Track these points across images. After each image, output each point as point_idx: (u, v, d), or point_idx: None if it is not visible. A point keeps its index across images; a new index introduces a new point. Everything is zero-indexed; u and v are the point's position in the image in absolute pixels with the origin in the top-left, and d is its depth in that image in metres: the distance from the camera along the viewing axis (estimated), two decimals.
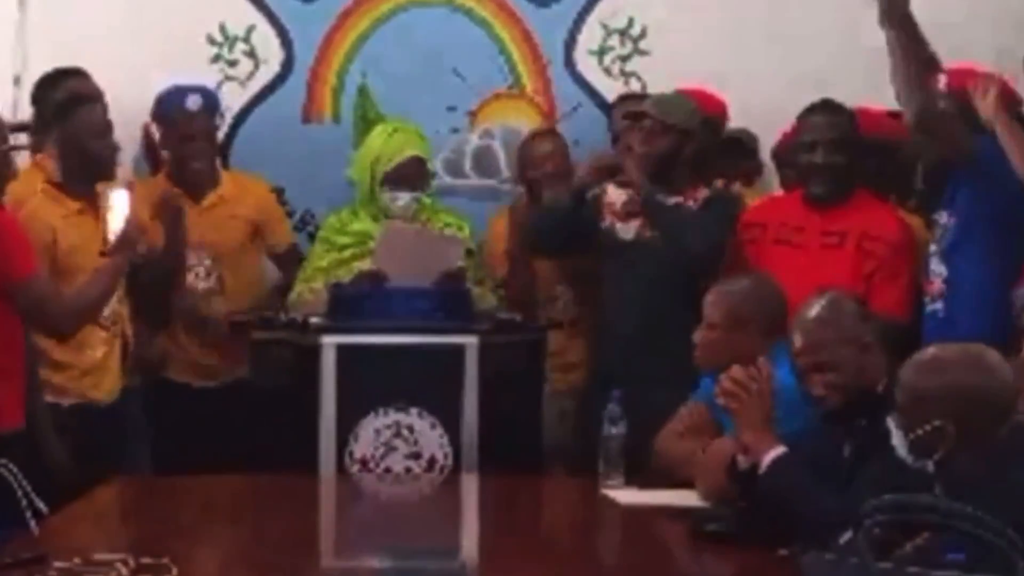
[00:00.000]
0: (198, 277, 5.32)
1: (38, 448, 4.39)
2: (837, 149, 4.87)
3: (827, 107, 4.94)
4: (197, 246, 5.29)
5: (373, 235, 5.13)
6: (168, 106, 5.41)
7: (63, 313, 4.27)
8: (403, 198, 5.14)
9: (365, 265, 5.06)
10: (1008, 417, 3.18)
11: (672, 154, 4.99)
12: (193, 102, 5.39)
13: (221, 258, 5.35)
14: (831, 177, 4.88)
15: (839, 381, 3.60)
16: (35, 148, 5.26)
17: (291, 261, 5.46)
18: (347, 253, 5.18)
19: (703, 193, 5.00)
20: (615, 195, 5.06)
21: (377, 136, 5.31)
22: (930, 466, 3.16)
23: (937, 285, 4.58)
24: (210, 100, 5.49)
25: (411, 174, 5.20)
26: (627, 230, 5.03)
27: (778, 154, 5.51)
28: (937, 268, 4.58)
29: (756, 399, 3.59)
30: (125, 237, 4.41)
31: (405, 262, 4.92)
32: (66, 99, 4.89)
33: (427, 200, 5.27)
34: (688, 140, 4.99)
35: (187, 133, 5.36)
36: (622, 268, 5.00)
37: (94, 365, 4.72)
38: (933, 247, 4.62)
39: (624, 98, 5.69)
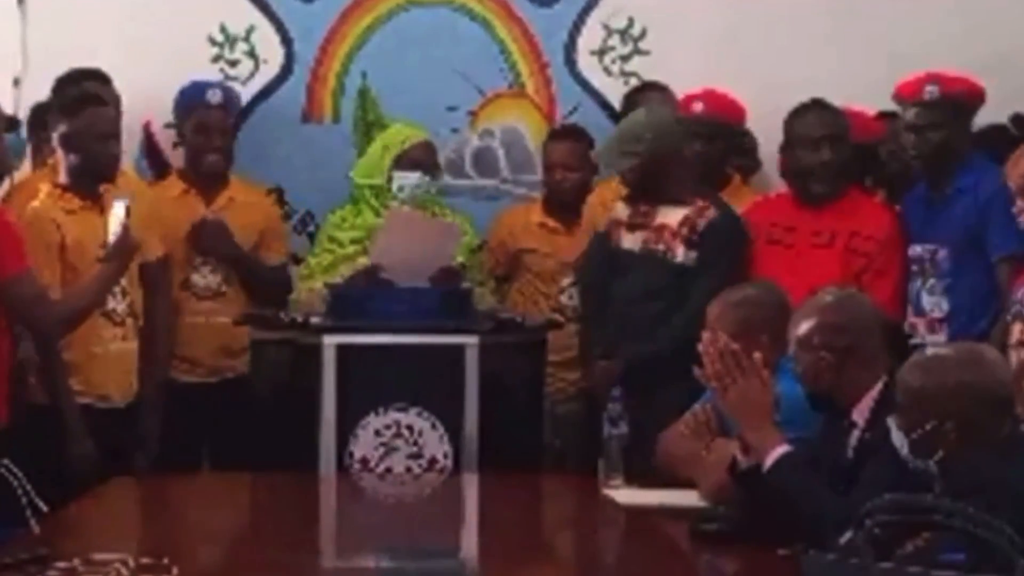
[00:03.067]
0: (204, 276, 5.32)
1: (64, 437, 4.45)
2: (829, 146, 4.83)
3: (816, 105, 4.92)
4: None
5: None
6: (188, 97, 5.44)
7: (50, 316, 4.27)
8: (413, 177, 5.12)
9: (367, 262, 5.04)
10: (1009, 412, 3.18)
11: (654, 174, 4.91)
12: (213, 95, 5.42)
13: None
14: (827, 173, 4.84)
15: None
16: (36, 147, 5.27)
17: (278, 277, 5.44)
18: (350, 249, 5.17)
19: (711, 212, 4.89)
20: (622, 211, 5.05)
21: (387, 132, 5.33)
22: (932, 466, 3.17)
23: (934, 317, 4.58)
24: (230, 97, 5.51)
25: (421, 157, 5.20)
26: (634, 241, 5.01)
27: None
28: (935, 302, 4.57)
29: (756, 396, 3.58)
30: (120, 246, 4.40)
31: (404, 251, 4.90)
32: (78, 97, 4.89)
33: (434, 192, 5.26)
34: (656, 161, 4.89)
35: (204, 124, 5.38)
36: (631, 276, 4.98)
37: (105, 362, 4.71)
38: (931, 281, 4.60)
39: (639, 89, 5.66)
